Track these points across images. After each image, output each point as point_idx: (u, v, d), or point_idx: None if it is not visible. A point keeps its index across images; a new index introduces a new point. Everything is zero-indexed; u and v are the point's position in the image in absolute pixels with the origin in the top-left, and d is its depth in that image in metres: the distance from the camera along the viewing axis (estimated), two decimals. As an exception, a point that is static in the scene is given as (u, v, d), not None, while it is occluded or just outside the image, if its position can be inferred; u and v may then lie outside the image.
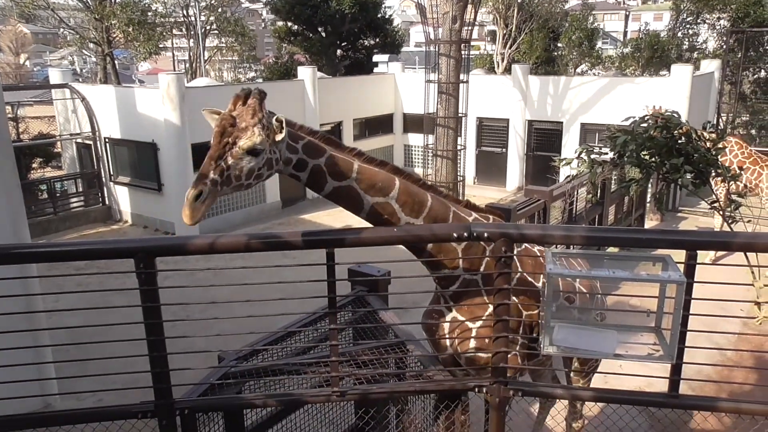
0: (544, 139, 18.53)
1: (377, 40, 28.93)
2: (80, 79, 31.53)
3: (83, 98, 15.84)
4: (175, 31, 31.80)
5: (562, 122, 18.02)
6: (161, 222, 15.05)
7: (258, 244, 2.84)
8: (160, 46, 28.07)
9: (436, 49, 15.95)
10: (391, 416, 3.73)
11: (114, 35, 24.57)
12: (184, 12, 29.81)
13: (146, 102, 14.68)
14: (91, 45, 24.84)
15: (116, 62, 26.48)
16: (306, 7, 26.35)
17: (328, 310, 2.97)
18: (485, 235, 3.05)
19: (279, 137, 2.85)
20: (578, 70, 27.91)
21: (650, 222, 14.37)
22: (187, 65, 31.91)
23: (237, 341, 3.92)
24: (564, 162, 4.04)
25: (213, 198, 2.64)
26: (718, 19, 25.44)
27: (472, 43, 17.80)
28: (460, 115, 15.88)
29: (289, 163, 2.97)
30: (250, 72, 36.39)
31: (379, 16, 28.94)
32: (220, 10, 31.41)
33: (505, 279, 3.04)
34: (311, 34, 28.18)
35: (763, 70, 24.01)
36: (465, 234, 3.04)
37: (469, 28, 15.93)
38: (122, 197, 15.80)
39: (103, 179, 16.04)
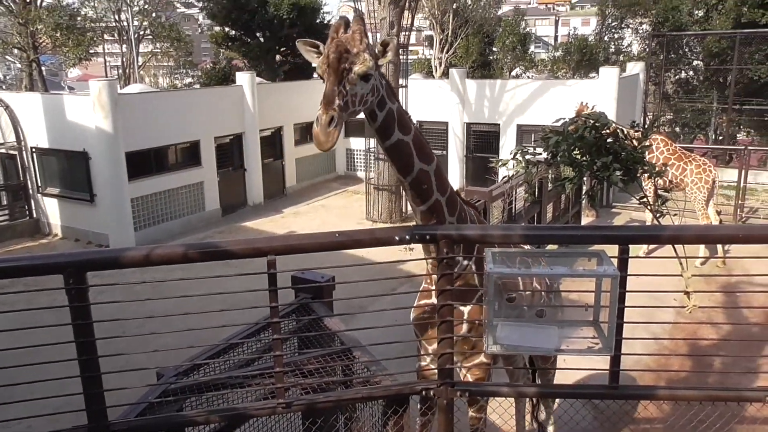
0: (483, 140, 18.84)
1: (316, 45, 28.73)
2: (3, 87, 30.08)
3: (6, 106, 15.07)
4: (106, 36, 30.74)
5: (499, 124, 18.38)
6: (94, 234, 14.46)
7: (196, 254, 2.74)
8: (91, 51, 27.05)
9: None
10: (340, 424, 3.68)
11: (40, 40, 23.51)
12: (116, 17, 28.87)
13: (76, 109, 14.10)
14: (15, 51, 23.69)
15: (43, 69, 25.35)
16: (243, 12, 25.95)
17: (270, 320, 2.90)
18: (427, 237, 3.05)
19: (385, 60, 2.93)
20: (513, 73, 28.58)
21: (586, 218, 14.83)
22: (120, 71, 30.89)
23: (177, 356, 3.78)
24: (501, 163, 4.12)
25: (341, 124, 2.72)
26: (641, 23, 26.62)
27: (410, 48, 17.95)
28: (400, 118, 15.97)
29: (379, 94, 3.01)
30: (187, 77, 35.58)
31: (318, 21, 28.80)
32: (154, 15, 30.59)
33: (448, 280, 3.05)
34: (249, 39, 27.78)
35: (683, 71, 25.24)
36: (407, 237, 3.03)
37: (407, 33, 16.06)
38: (51, 209, 15.10)
39: (30, 191, 15.29)
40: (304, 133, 19.89)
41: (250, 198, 17.47)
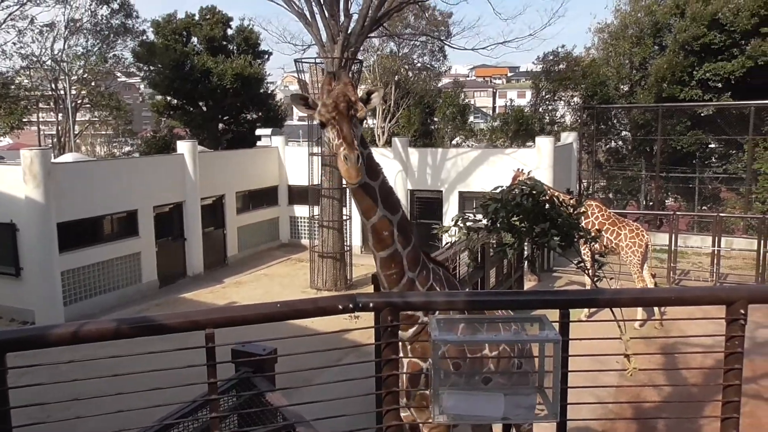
0: (426, 207, 19.19)
1: (260, 114, 29.09)
2: (-70, 157, 28.75)
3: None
4: (42, 105, 30.15)
5: (441, 191, 18.80)
6: (18, 311, 13.65)
7: (129, 329, 2.63)
8: (24, 120, 26.43)
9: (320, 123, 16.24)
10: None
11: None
12: (53, 85, 28.46)
13: (5, 179, 13.59)
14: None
15: (-27, 138, 24.57)
16: (186, 82, 26.10)
17: (208, 397, 2.78)
18: (370, 305, 3.03)
19: (370, 106, 3.35)
20: (453, 142, 29.55)
21: (529, 283, 15.11)
22: (55, 140, 30.19)
23: (107, 439, 3.55)
24: (443, 230, 4.20)
25: (363, 162, 3.20)
26: (572, 96, 28.26)
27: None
28: (344, 186, 16.11)
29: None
30: (126, 146, 35.08)
31: (262, 90, 29.24)
32: (93, 83, 30.34)
33: (393, 350, 3.02)
34: (192, 108, 27.84)
35: (613, 141, 26.74)
36: (350, 305, 3.01)
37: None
38: (-27, 284, 14.24)
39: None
40: (247, 201, 19.76)
41: (190, 268, 17.04)
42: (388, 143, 25.38)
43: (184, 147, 17.13)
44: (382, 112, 27.51)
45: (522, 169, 12.20)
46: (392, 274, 3.71)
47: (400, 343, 3.87)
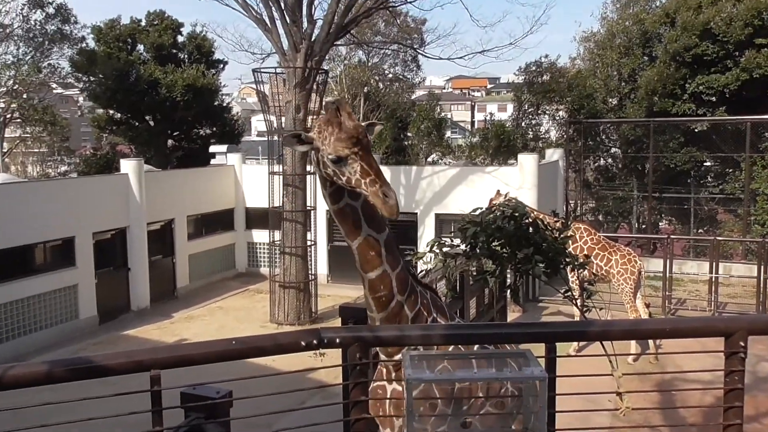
0: (400, 231, 19.21)
1: (214, 129, 28.99)
2: None
3: None
4: (-34, 120, 29.65)
5: (416, 213, 18.89)
6: (-60, 351, 13.25)
7: (64, 372, 2.58)
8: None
9: (280, 140, 16.22)
10: None
11: None
12: (-21, 98, 28.04)
13: None
14: None
15: None
16: (131, 93, 25.89)
17: (154, 447, 2.73)
18: (337, 340, 3.03)
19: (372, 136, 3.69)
20: (429, 159, 29.80)
21: (513, 314, 15.20)
22: (-19, 159, 29.64)
23: (36, 498, 3.46)
24: (417, 256, 4.21)
25: None
26: (557, 110, 28.80)
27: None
28: (308, 208, 16.10)
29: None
30: (63, 165, 34.54)
31: (216, 103, 29.18)
32: (25, 96, 29.95)
33: (362, 390, 3.01)
34: (137, 123, 27.61)
35: (602, 159, 27.24)
36: (314, 341, 3.00)
37: (314, 117, 16.52)
38: None
39: None
40: (199, 225, 19.58)
41: (135, 302, 16.75)
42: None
43: (128, 166, 16.96)
44: (350, 126, 27.67)
45: (500, 191, 12.39)
46: (381, 296, 3.84)
47: (384, 369, 3.94)
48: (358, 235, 3.77)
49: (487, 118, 32.32)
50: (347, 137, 3.46)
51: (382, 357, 4.02)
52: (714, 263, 15.52)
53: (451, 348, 3.76)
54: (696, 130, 23.45)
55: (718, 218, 24.62)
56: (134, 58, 26.73)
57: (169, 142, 28.57)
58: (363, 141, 3.47)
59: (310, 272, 16.36)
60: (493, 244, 4.53)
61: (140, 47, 27.94)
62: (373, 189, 3.42)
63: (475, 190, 17.81)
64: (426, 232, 18.65)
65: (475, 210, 4.93)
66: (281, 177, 16.09)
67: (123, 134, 28.32)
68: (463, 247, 4.87)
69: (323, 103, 16.10)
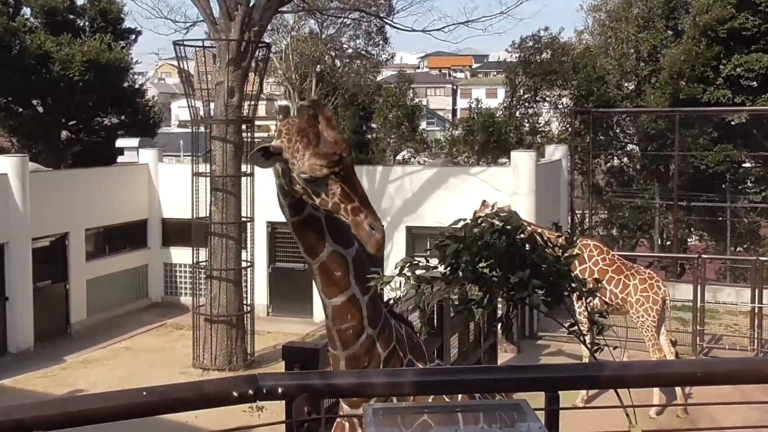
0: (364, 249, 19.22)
1: (123, 117, 28.69)
2: None
3: None
4: None
5: (382, 227, 18.88)
6: None
7: None
8: None
9: (208, 131, 16.13)
10: None
11: None
12: None
13: None
14: None
15: None
16: (12, 70, 25.41)
17: None
18: (279, 390, 3.00)
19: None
20: (399, 157, 29.93)
21: (505, 354, 15.28)
22: None
23: None
24: (383, 282, 4.21)
25: None
26: (560, 96, 29.16)
27: (258, 123, 18.35)
28: (243, 219, 16.01)
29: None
30: None
31: (126, 85, 28.91)
32: None
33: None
34: (21, 109, 27.17)
35: (615, 158, 27.62)
36: (250, 391, 2.96)
37: (253, 103, 16.47)
38: None
39: None
40: (102, 241, 19.33)
41: (13, 342, 16.42)
42: (307, 159, 25.45)
43: (7, 164, 16.66)
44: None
45: (486, 202, 12.48)
46: (348, 328, 3.91)
47: (346, 424, 3.96)
48: (321, 251, 3.86)
49: (473, 105, 32.49)
50: (327, 154, 3.55)
51: (345, 408, 4.04)
52: (756, 290, 15.69)
53: (431, 398, 3.76)
54: (732, 123, 23.70)
55: (761, 233, 24.99)
56: (18, 24, 26.29)
57: (64, 133, 28.17)
58: (346, 159, 3.58)
59: (245, 302, 16.24)
60: (480, 265, 4.52)
61: (26, 11, 27.54)
62: (356, 219, 3.56)
63: (457, 196, 17.91)
64: (395, 251, 18.65)
65: (456, 222, 4.91)
66: (208, 179, 15.98)
67: (1, 123, 27.82)
68: (441, 269, 4.86)
69: (262, 86, 16.07)
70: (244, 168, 15.93)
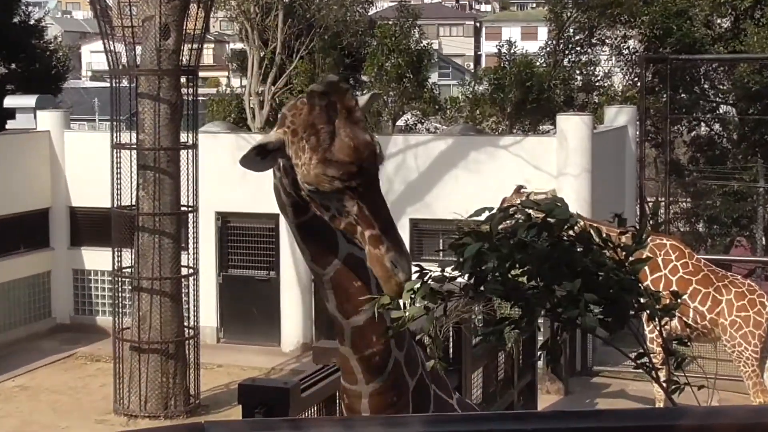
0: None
1: (13, 66, 28.56)
2: None
3: None
4: None
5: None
6: None
7: None
8: None
9: (133, 86, 16.07)
10: None
11: None
12: None
13: None
14: None
15: None
16: None
17: None
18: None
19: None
20: (400, 122, 29.81)
21: (546, 397, 15.28)
22: None
23: None
24: (378, 305, 4.19)
25: None
26: (624, 38, 28.98)
27: (203, 75, 18.28)
28: (183, 209, 15.97)
29: None
30: None
31: (17, 21, 28.79)
32: None
33: None
34: None
35: (703, 124, 27.53)
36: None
37: (195, 46, 16.39)
38: None
39: None
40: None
41: None
42: (272, 123, 25.33)
43: None
44: (259, 64, 27.56)
45: (522, 187, 12.47)
46: (374, 354, 4.01)
47: None
48: (333, 259, 3.91)
49: (503, 50, 32.36)
50: (341, 162, 3.51)
51: None
52: None
53: None
54: None
55: None
56: None
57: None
58: (369, 170, 3.56)
59: (186, 324, 16.23)
60: (512, 273, 4.51)
61: None
62: (374, 251, 3.54)
63: (479, 178, 17.89)
64: (394, 253, 18.67)
65: (479, 212, 4.88)
66: (134, 153, 15.93)
67: None
68: (459, 278, 4.83)
69: (208, 23, 15.94)
70: (184, 138, 15.90)
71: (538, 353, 13.08)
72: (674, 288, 12.17)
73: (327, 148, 3.52)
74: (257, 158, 3.76)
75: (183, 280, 16.29)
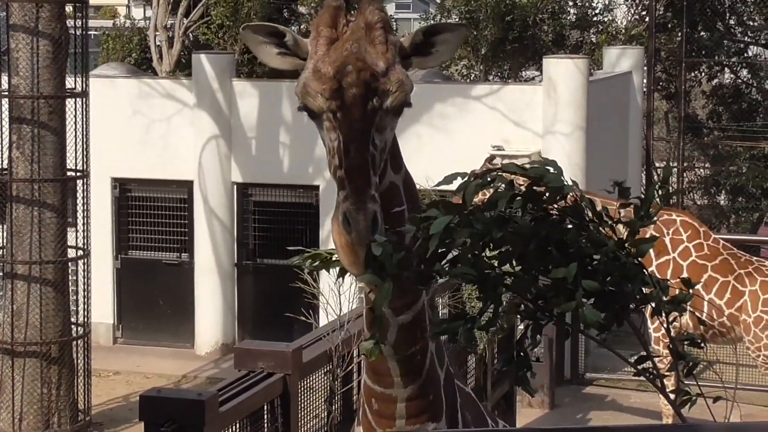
0: (281, 225, 19.20)
1: None
2: None
3: None
4: None
5: (318, 186, 18.87)
6: None
7: None
8: None
9: (2, 15, 15.93)
10: None
11: None
12: None
13: None
14: None
15: None
16: None
17: None
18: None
19: (436, 60, 4.10)
20: (347, 66, 29.83)
21: (528, 411, 15.41)
22: None
23: None
24: (307, 261, 4.18)
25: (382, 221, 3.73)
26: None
27: (97, 2, 18.16)
28: (70, 174, 15.89)
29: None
30: None
31: None
32: None
33: None
34: None
35: (726, 69, 27.71)
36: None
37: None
38: None
39: None
40: None
41: None
42: (183, 67, 25.29)
43: None
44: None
45: (494, 158, 12.53)
46: (416, 353, 4.20)
47: None
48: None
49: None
50: (325, 75, 3.65)
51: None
52: None
53: None
54: None
55: None
56: None
57: None
58: (350, 90, 3.62)
59: (74, 320, 16.18)
60: (488, 254, 4.54)
61: None
62: (338, 198, 3.61)
63: (447, 136, 17.96)
64: (338, 229, 18.72)
65: (449, 179, 4.88)
66: (5, 102, 15.81)
67: None
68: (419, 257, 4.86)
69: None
70: (70, 83, 15.80)
71: (513, 356, 13.17)
72: (685, 275, 12.25)
73: (321, 56, 3.68)
74: (263, 41, 3.93)
75: (70, 264, 16.21)
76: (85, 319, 16.49)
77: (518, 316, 5.36)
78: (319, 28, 3.76)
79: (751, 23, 27.57)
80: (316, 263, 5.15)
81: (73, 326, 16.17)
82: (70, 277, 16.20)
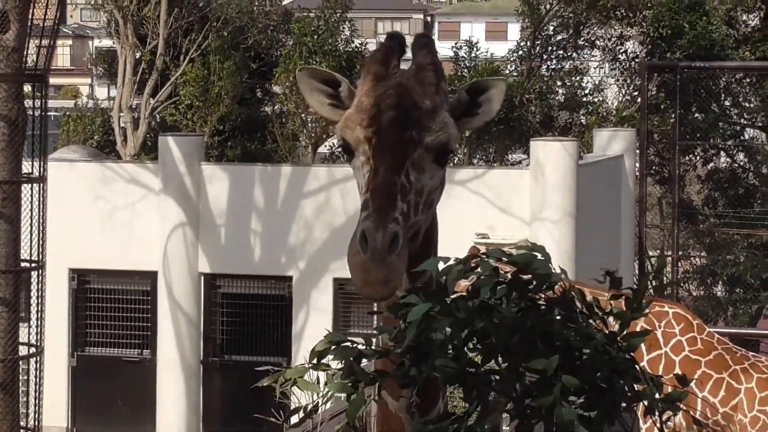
0: (252, 318, 19.14)
1: None
2: None
3: None
4: None
5: (291, 277, 18.85)
6: None
7: None
8: None
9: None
10: None
11: None
12: None
13: None
14: None
15: None
16: None
17: None
18: None
19: (486, 116, 3.94)
20: (323, 148, 29.90)
21: None
22: None
23: None
24: (284, 376, 4.14)
25: (406, 249, 3.64)
26: (621, 39, 29.30)
27: (58, 82, 18.20)
28: (24, 264, 15.84)
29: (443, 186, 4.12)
30: None
31: None
32: None
33: None
34: None
35: (722, 153, 27.84)
36: None
37: (46, 42, 16.35)
38: None
39: None
40: None
41: None
42: (150, 148, 25.32)
43: None
44: (132, 66, 27.50)
45: (476, 248, 12.53)
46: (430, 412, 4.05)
47: None
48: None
49: (462, 53, 32.56)
50: (364, 106, 3.65)
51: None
52: None
53: None
54: None
55: None
56: None
57: None
58: (384, 121, 3.62)
59: (23, 424, 16.07)
60: (470, 345, 4.52)
61: None
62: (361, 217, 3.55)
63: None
64: (312, 321, 18.69)
65: (429, 265, 4.89)
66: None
67: None
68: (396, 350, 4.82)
69: (64, 12, 15.86)
70: (27, 167, 15.80)
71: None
72: (678, 371, 12.26)
73: (366, 91, 3.70)
74: (323, 91, 3.91)
75: (21, 362, 16.10)
76: (36, 423, 16.34)
77: (505, 417, 5.35)
78: (369, 67, 3.79)
79: (747, 105, 27.78)
80: (288, 380, 5.10)
81: (21, 431, 16.02)
82: (20, 377, 16.06)
